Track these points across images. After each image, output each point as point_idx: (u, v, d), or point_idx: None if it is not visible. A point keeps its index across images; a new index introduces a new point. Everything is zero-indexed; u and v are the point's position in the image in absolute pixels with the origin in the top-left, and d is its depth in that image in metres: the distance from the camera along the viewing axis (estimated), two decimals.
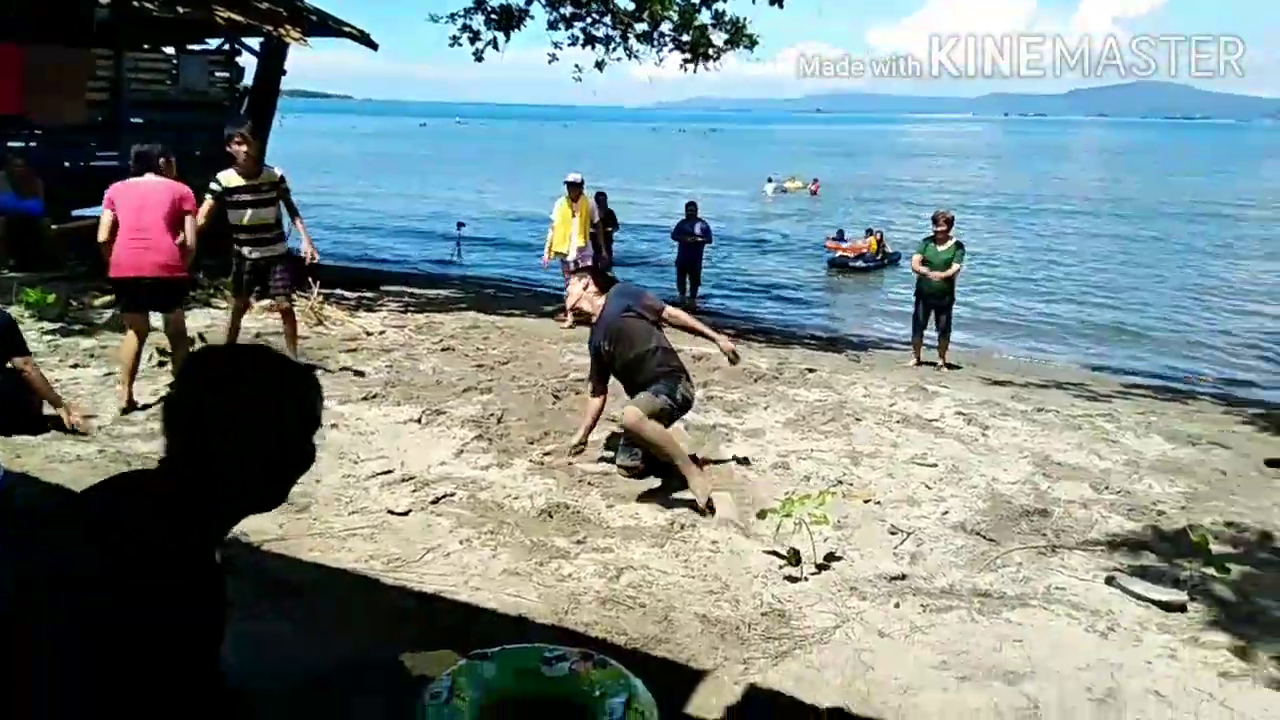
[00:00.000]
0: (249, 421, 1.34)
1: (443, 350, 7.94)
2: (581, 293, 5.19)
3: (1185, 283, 18.53)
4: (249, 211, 6.26)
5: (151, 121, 11.71)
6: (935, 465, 5.37)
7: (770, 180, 38.35)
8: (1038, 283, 18.17)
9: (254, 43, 12.73)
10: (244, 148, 6.13)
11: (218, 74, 12.97)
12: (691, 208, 13.76)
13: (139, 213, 5.47)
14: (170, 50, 13.31)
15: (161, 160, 5.68)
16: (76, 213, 9.88)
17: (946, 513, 4.67)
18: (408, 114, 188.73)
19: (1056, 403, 7.59)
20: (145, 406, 5.55)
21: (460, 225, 19.65)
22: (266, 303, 7.31)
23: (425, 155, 57.26)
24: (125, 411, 5.46)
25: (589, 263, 9.56)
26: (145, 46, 12.85)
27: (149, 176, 5.63)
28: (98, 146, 11.73)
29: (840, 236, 19.70)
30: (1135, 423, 6.90)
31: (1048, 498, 4.99)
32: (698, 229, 13.52)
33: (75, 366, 6.47)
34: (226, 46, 13.03)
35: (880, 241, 19.06)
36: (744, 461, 5.26)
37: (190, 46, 13.61)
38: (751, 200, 34.39)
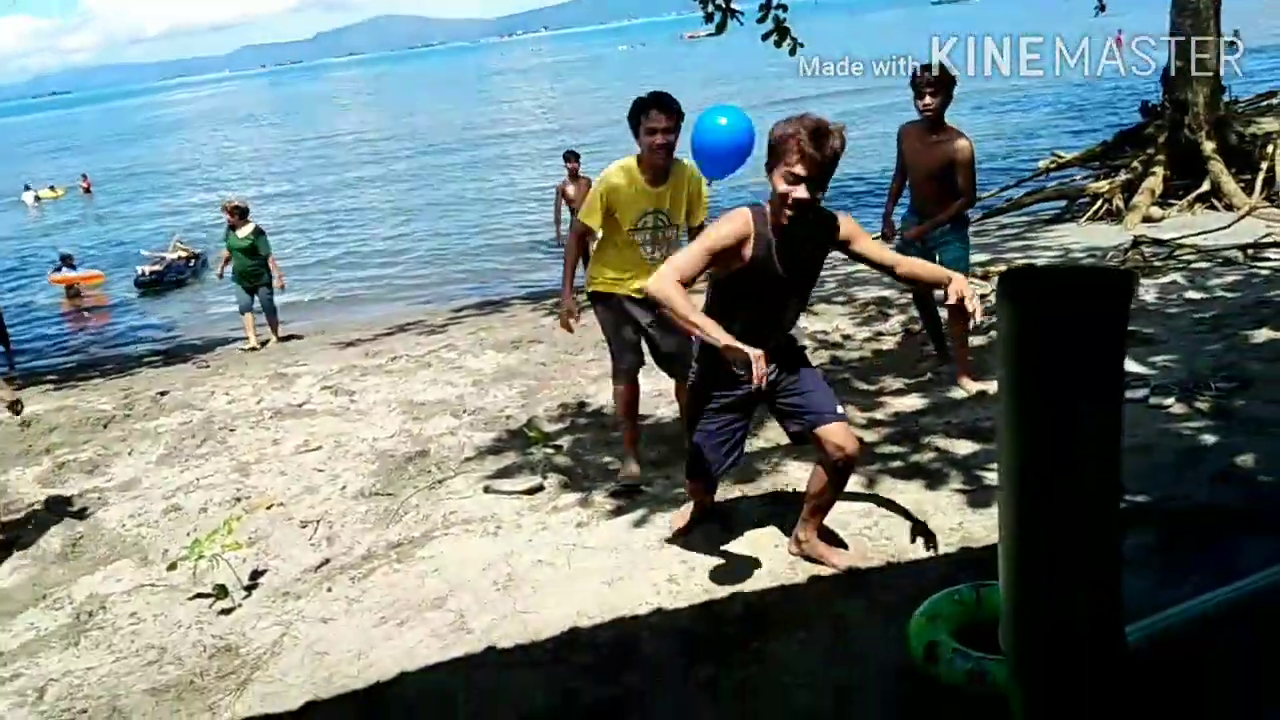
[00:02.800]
0: None
1: None
2: None
3: (455, 201, 21.97)
4: None
5: None
6: (320, 448, 5.74)
7: (28, 189, 33.15)
8: (349, 243, 19.30)
9: None
10: None
11: None
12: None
13: None
14: None
15: None
16: None
17: (344, 487, 5.10)
18: None
19: (405, 347, 8.46)
20: None
21: None
22: None
23: None
24: None
25: None
26: None
27: None
28: None
29: (67, 264, 16.08)
30: (470, 344, 8.09)
31: (422, 438, 5.72)
32: None
33: None
34: None
35: (185, 247, 17.91)
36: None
37: None
38: (16, 216, 29.53)
